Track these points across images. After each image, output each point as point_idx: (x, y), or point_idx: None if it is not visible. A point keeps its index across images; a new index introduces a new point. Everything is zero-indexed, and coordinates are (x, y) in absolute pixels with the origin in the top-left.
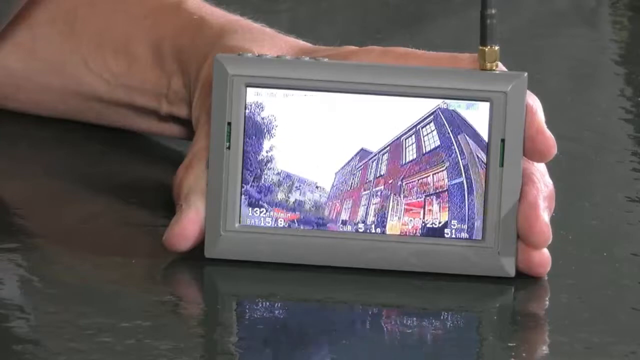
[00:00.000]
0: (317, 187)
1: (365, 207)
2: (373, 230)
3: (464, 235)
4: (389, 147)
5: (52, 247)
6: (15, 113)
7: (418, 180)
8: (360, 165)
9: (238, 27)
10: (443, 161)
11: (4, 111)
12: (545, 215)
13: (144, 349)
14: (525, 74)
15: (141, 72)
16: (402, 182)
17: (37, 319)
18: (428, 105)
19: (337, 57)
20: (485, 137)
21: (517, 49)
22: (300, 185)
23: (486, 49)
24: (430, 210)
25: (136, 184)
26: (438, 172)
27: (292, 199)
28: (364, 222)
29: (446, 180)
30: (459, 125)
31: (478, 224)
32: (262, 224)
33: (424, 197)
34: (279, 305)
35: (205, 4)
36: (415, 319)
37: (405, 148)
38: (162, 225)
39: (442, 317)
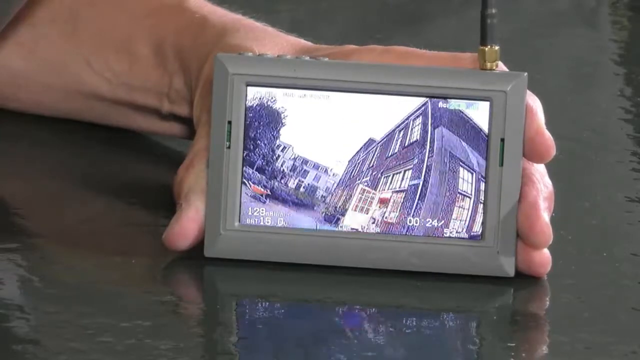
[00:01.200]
0: (329, 172)
1: (354, 200)
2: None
3: (464, 235)
4: (385, 138)
5: (52, 247)
6: (16, 113)
7: (393, 175)
8: (365, 155)
9: (240, 26)
10: (413, 158)
11: (5, 111)
12: (545, 216)
13: (144, 349)
14: (525, 74)
15: (143, 71)
16: (382, 175)
17: (37, 319)
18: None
19: (338, 56)
20: (483, 136)
21: (517, 49)
22: (311, 170)
23: (486, 49)
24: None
25: (136, 183)
26: (406, 170)
27: (302, 185)
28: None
29: (407, 180)
30: (441, 117)
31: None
32: (262, 223)
33: (391, 193)
34: (279, 305)
35: (207, 3)
36: (415, 319)
37: (395, 140)
38: (162, 225)
39: (441, 317)
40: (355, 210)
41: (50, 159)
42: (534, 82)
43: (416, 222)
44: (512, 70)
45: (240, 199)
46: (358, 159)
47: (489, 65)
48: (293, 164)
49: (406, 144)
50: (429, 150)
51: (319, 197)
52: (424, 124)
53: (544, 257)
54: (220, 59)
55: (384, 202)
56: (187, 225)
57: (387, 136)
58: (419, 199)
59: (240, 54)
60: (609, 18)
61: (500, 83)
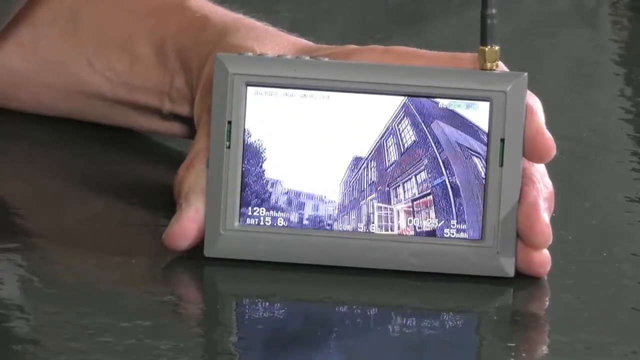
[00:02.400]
0: (325, 200)
1: (367, 217)
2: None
3: (464, 235)
4: (374, 152)
5: (52, 247)
6: (16, 113)
7: (402, 183)
8: (355, 175)
9: (241, 25)
10: (421, 159)
11: (5, 111)
12: (545, 216)
13: (144, 349)
14: (525, 74)
15: (144, 71)
16: (389, 188)
17: (37, 319)
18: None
19: (339, 56)
20: (484, 134)
21: (517, 49)
22: (307, 201)
23: (486, 49)
24: (422, 215)
25: (137, 183)
26: (419, 173)
27: (304, 218)
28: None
29: (428, 182)
30: (431, 114)
31: (476, 223)
32: (262, 223)
33: (411, 202)
34: (279, 305)
35: (208, 3)
36: (415, 319)
37: (387, 150)
38: (162, 225)
39: (441, 317)
40: (381, 229)
41: (50, 159)
42: (534, 82)
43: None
44: (512, 70)
45: (240, 199)
46: (351, 179)
47: (489, 65)
48: (288, 198)
49: (404, 150)
50: (437, 146)
51: (327, 225)
52: (415, 124)
53: (543, 258)
54: (220, 59)
55: (408, 212)
56: (187, 225)
57: (374, 149)
58: (454, 195)
59: (241, 53)
60: (609, 18)
61: (500, 83)
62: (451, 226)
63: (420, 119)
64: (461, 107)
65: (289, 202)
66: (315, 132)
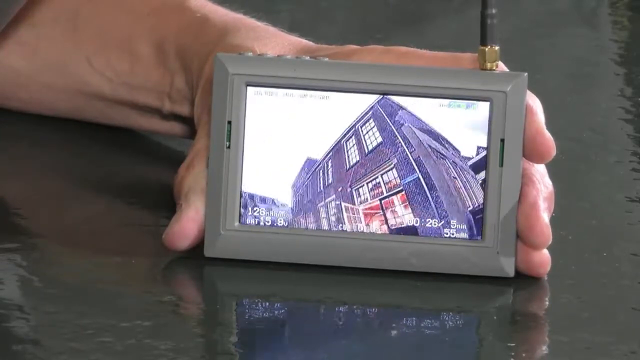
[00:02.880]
0: (278, 203)
1: (326, 219)
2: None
3: (464, 235)
4: (331, 153)
5: (52, 247)
6: (16, 113)
7: (367, 183)
8: (309, 177)
9: (241, 25)
10: (389, 158)
11: (5, 111)
12: (545, 216)
13: (144, 349)
14: (525, 74)
15: (144, 71)
16: (352, 188)
17: (37, 319)
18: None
19: (339, 56)
20: (485, 136)
21: (517, 49)
22: (260, 204)
23: (486, 49)
24: (393, 212)
25: (137, 184)
26: (386, 172)
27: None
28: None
29: (398, 179)
30: (402, 116)
31: (458, 213)
32: (262, 223)
33: (378, 200)
34: (279, 305)
35: (208, 3)
36: (414, 319)
37: (347, 151)
38: (162, 225)
39: (441, 317)
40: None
41: (50, 159)
42: (534, 82)
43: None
44: (512, 70)
45: (240, 199)
46: (303, 182)
47: (489, 65)
48: (245, 202)
49: (368, 150)
50: (408, 146)
51: (284, 228)
52: (382, 128)
53: (543, 258)
54: (220, 59)
55: (377, 210)
56: (186, 225)
57: (332, 151)
58: (429, 190)
59: (241, 53)
60: (609, 18)
61: (500, 83)
62: (451, 226)
63: (389, 121)
64: (461, 107)
65: (245, 206)
66: (315, 132)
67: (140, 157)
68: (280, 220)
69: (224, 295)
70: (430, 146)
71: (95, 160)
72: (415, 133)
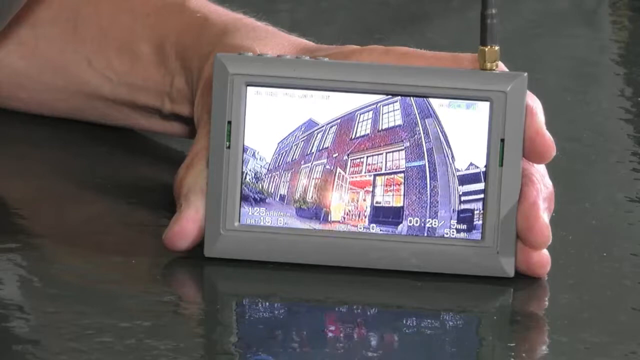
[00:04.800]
0: (257, 156)
1: (303, 182)
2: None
3: (464, 235)
4: (339, 120)
5: (52, 247)
6: (16, 113)
7: (367, 157)
8: (304, 136)
9: (241, 25)
10: (402, 141)
11: (5, 111)
12: (545, 216)
13: (144, 349)
14: (525, 74)
15: (144, 71)
16: (348, 157)
17: (37, 319)
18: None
19: (339, 56)
20: (484, 136)
21: (517, 49)
22: (245, 155)
23: (486, 49)
24: (380, 191)
25: (137, 183)
26: (393, 151)
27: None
28: (303, 199)
29: (403, 161)
30: (431, 114)
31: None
32: (262, 223)
33: (372, 176)
34: (279, 305)
35: (208, 3)
36: (414, 319)
37: (358, 122)
38: (162, 225)
39: (441, 317)
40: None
41: (50, 159)
42: (534, 82)
43: (416, 222)
44: (512, 70)
45: (240, 199)
46: (294, 140)
47: (489, 65)
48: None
49: (382, 128)
50: (425, 136)
51: (284, 228)
52: (407, 113)
53: (543, 258)
54: (220, 59)
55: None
56: (186, 225)
57: (341, 118)
58: (431, 179)
59: (240, 53)
60: (609, 18)
61: (500, 83)
62: (451, 226)
63: (416, 111)
64: (461, 107)
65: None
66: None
67: (140, 157)
68: (281, 220)
69: (224, 295)
70: (445, 145)
71: (95, 160)
72: (436, 128)
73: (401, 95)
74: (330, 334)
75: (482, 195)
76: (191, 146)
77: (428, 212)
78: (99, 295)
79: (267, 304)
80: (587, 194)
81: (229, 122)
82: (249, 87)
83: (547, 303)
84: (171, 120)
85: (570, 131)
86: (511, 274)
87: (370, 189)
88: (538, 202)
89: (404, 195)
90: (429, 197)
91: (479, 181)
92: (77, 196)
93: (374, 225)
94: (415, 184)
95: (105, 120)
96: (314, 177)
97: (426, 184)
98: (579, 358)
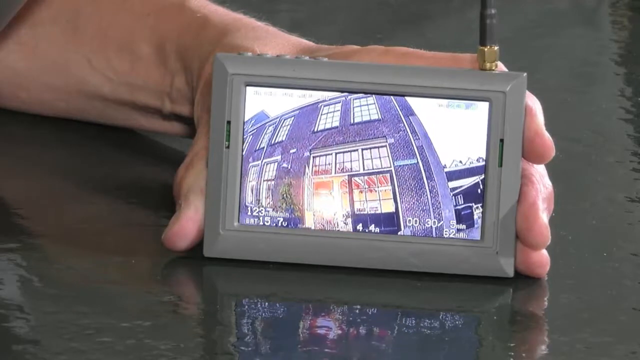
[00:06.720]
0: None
1: (256, 183)
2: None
3: (463, 235)
4: (297, 112)
5: (52, 247)
6: (16, 113)
7: (336, 153)
8: (253, 130)
9: (241, 25)
10: (384, 136)
11: (5, 111)
12: (544, 216)
13: (144, 349)
14: (525, 74)
15: (144, 71)
16: (310, 153)
17: (37, 319)
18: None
19: (339, 57)
20: (484, 137)
21: (517, 49)
22: None
23: (486, 49)
24: (362, 193)
25: (137, 183)
26: (373, 148)
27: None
28: (257, 202)
29: (389, 159)
30: (413, 112)
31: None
32: (262, 223)
33: (347, 176)
34: (279, 305)
35: (209, 3)
36: (414, 319)
37: (322, 114)
38: (162, 225)
39: (441, 317)
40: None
41: (50, 159)
42: (534, 82)
43: (416, 222)
44: (512, 70)
45: (239, 199)
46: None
47: (488, 65)
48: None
49: (355, 122)
50: (412, 133)
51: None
52: (385, 109)
53: (542, 258)
54: (219, 59)
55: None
56: (186, 225)
57: (300, 109)
58: (427, 178)
59: (240, 54)
60: (609, 18)
61: (499, 83)
62: (450, 226)
63: (397, 106)
64: (460, 107)
65: (288, 202)
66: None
67: (140, 157)
68: (281, 220)
69: (224, 295)
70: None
71: (95, 160)
72: (423, 126)
73: (401, 95)
74: (330, 334)
75: (481, 196)
76: (191, 146)
77: (427, 212)
78: (99, 295)
79: (267, 304)
80: (587, 194)
81: (229, 122)
82: (248, 87)
83: (547, 303)
84: (171, 120)
85: (570, 131)
86: (510, 274)
87: (347, 194)
88: (537, 203)
89: (397, 196)
90: (429, 197)
91: (478, 181)
92: (77, 196)
93: (373, 225)
94: (409, 184)
95: (105, 120)
96: (265, 179)
97: (423, 183)
98: (579, 358)
